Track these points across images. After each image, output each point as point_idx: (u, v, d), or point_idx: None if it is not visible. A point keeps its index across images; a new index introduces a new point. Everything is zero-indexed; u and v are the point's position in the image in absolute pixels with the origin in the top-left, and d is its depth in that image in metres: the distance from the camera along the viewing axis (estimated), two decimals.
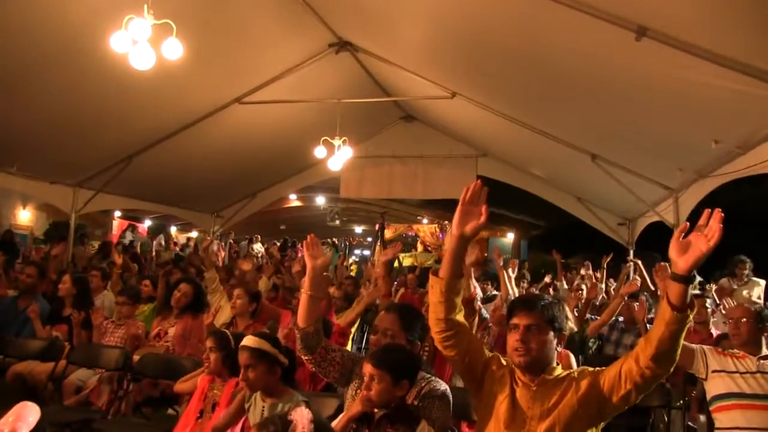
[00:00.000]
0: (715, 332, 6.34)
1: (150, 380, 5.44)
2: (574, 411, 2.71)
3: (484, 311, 6.61)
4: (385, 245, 19.43)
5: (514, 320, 2.88)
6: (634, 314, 6.13)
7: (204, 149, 10.99)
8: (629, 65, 5.83)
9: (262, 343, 3.60)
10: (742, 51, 4.68)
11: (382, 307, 4.33)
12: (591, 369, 2.84)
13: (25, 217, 17.18)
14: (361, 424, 3.01)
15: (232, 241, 19.09)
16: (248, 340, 3.64)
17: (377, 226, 21.31)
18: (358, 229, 28.34)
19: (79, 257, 11.72)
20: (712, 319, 6.98)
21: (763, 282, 8.81)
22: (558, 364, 2.92)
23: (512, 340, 2.86)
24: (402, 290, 10.06)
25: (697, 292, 7.08)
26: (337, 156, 9.84)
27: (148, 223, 21.66)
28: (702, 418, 5.15)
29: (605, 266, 9.52)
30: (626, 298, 6.55)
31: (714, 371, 4.22)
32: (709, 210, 2.38)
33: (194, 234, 21.27)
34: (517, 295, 6.53)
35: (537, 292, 10.54)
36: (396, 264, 17.67)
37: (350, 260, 23.64)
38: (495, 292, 9.15)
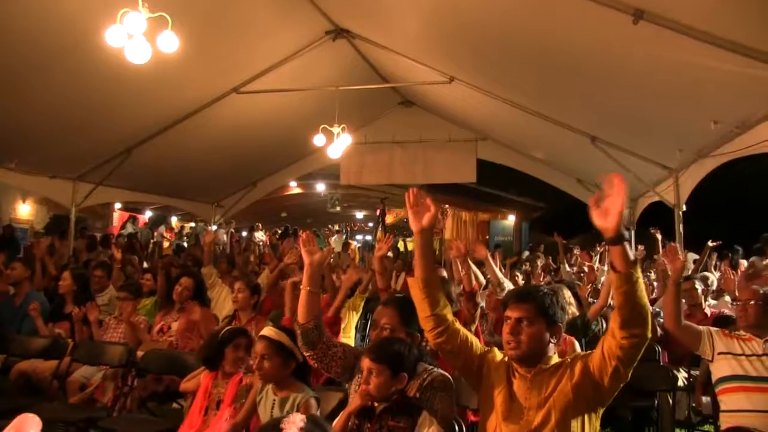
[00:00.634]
0: (710, 312, 6.34)
1: (154, 376, 5.45)
2: (569, 398, 2.71)
3: (480, 301, 6.63)
4: (387, 230, 19.43)
5: (507, 312, 2.90)
6: None
7: (203, 140, 10.98)
8: (627, 48, 5.82)
9: (282, 336, 3.62)
10: (740, 33, 4.67)
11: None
12: (583, 354, 2.86)
13: (25, 210, 17.16)
14: (362, 418, 3.01)
15: (233, 230, 19.10)
16: (268, 331, 3.67)
17: (378, 212, 21.28)
18: (359, 215, 28.30)
19: (80, 252, 11.71)
20: (712, 302, 7.00)
21: None
22: (554, 354, 2.91)
23: (504, 332, 2.88)
24: (403, 275, 9.99)
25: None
26: (336, 143, 9.82)
27: (148, 214, 21.65)
28: (706, 399, 5.17)
29: (606, 248, 9.50)
30: None
31: (720, 353, 4.22)
32: (608, 175, 2.57)
33: (194, 224, 21.23)
34: (501, 277, 6.55)
35: (540, 273, 10.58)
36: (402, 248, 17.65)
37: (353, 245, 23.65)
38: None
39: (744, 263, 11.27)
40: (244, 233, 20.95)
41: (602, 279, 7.86)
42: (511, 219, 22.08)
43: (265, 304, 6.50)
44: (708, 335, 4.30)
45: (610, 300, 6.17)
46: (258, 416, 3.65)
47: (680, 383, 5.23)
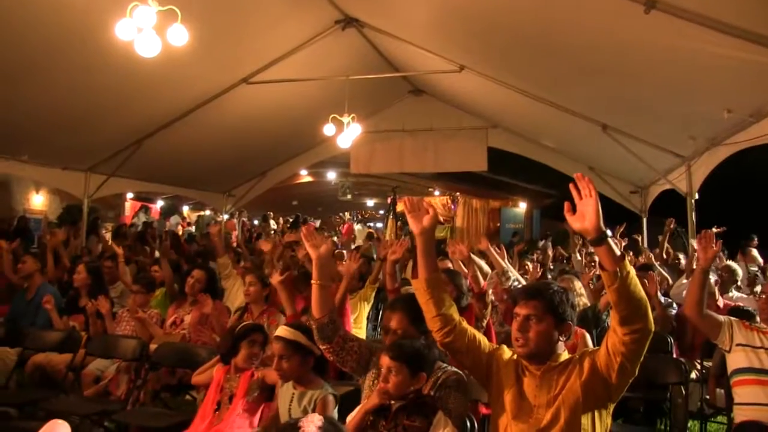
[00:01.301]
0: (722, 304, 6.30)
1: (167, 368, 5.48)
2: (577, 396, 2.70)
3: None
4: (398, 219, 19.42)
5: (516, 309, 2.89)
6: (646, 288, 6.06)
7: (213, 130, 10.98)
8: (639, 37, 5.78)
9: (298, 335, 3.62)
10: (753, 21, 4.64)
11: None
12: (590, 349, 2.84)
13: (38, 201, 17.25)
14: (378, 416, 3.01)
15: (245, 219, 19.15)
16: (283, 331, 3.67)
17: (389, 200, 21.27)
18: (370, 203, 28.32)
19: (92, 243, 11.78)
20: (735, 294, 6.96)
21: None
22: (564, 351, 2.90)
23: (513, 330, 2.88)
24: (411, 263, 9.96)
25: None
26: (346, 133, 9.80)
27: (160, 203, 21.73)
28: (720, 392, 5.15)
29: (619, 236, 9.47)
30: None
31: (738, 344, 4.18)
32: (575, 176, 2.62)
33: (208, 213, 21.32)
34: (505, 266, 6.52)
35: (550, 264, 10.53)
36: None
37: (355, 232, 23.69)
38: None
39: (754, 252, 11.24)
40: (255, 222, 21.02)
41: None
42: (522, 206, 22.05)
43: (275, 296, 6.50)
44: (728, 325, 4.26)
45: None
46: (270, 404, 3.68)
47: (693, 375, 5.21)
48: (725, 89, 6.24)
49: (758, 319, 4.72)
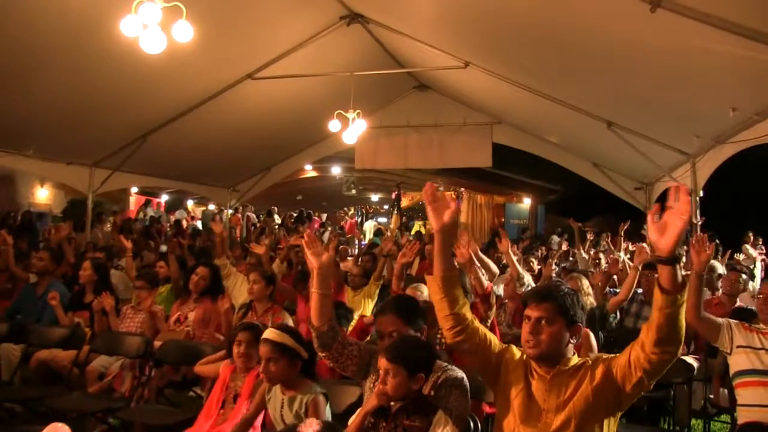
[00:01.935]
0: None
1: (171, 365, 5.49)
2: (589, 402, 2.67)
3: (496, 288, 6.61)
4: (402, 214, 19.42)
5: (527, 311, 2.85)
6: (652, 285, 6.03)
7: (218, 125, 11.00)
8: (645, 36, 5.77)
9: (285, 337, 3.57)
10: (759, 20, 4.62)
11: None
12: (605, 356, 2.80)
13: (43, 195, 17.31)
14: (378, 418, 3.00)
15: (250, 214, 19.15)
16: (270, 333, 3.61)
17: (394, 195, 21.26)
18: (375, 198, 28.27)
19: (97, 237, 11.81)
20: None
21: None
22: (574, 354, 2.87)
23: (524, 332, 2.83)
24: (418, 260, 9.96)
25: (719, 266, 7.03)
26: (351, 129, 9.80)
27: (164, 197, 21.76)
28: (724, 392, 5.14)
29: (623, 233, 9.45)
30: (641, 268, 6.45)
31: (739, 346, 4.17)
32: (675, 186, 2.41)
33: (212, 207, 21.34)
34: (521, 271, 6.50)
35: (555, 261, 10.52)
36: (423, 230, 17.63)
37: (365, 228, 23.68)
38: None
39: (749, 249, 11.25)
40: (260, 217, 20.98)
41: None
42: (526, 202, 22.05)
43: (278, 294, 6.51)
44: (727, 328, 4.24)
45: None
46: (269, 412, 3.66)
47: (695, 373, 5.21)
48: (730, 87, 6.22)
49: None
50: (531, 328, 2.79)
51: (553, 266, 7.64)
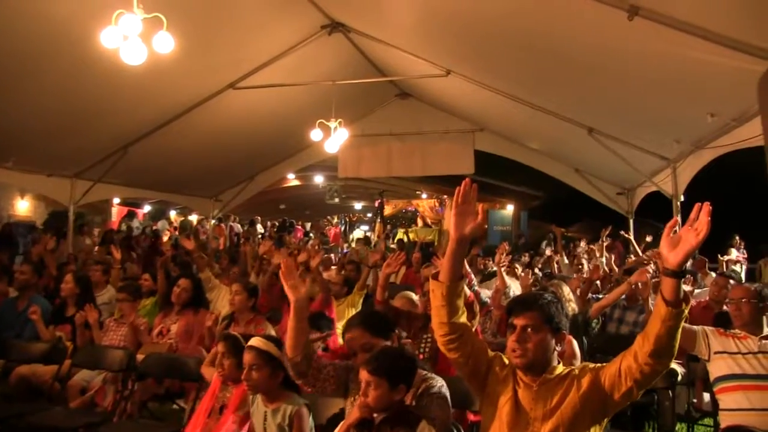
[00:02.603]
0: (694, 302, 6.34)
1: (154, 378, 5.45)
2: (576, 410, 2.68)
3: (483, 295, 6.63)
4: (386, 222, 19.43)
5: (512, 320, 2.85)
6: (638, 292, 6.06)
7: (200, 135, 10.97)
8: (623, 43, 5.83)
9: (270, 346, 3.58)
10: (734, 28, 4.68)
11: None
12: (592, 365, 2.80)
13: (23, 207, 17.16)
14: (362, 430, 2.99)
15: (233, 224, 19.10)
16: (256, 341, 3.62)
17: (377, 203, 21.29)
18: (358, 206, 28.31)
19: (78, 249, 11.72)
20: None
21: None
22: (560, 363, 2.87)
23: (510, 341, 2.83)
24: (404, 269, 9.95)
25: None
26: (333, 138, 9.81)
27: (147, 208, 21.65)
28: (707, 397, 5.17)
29: (604, 238, 9.50)
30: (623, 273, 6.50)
31: (716, 352, 4.20)
32: (700, 204, 2.39)
33: (193, 218, 21.26)
34: (508, 282, 6.53)
35: (540, 266, 10.54)
36: (405, 239, 17.64)
37: (352, 237, 23.67)
38: (495, 269, 9.04)
39: (734, 251, 11.35)
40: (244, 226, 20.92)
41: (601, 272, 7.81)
42: (509, 208, 22.12)
43: (261, 305, 6.48)
44: (703, 335, 4.29)
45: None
46: (252, 424, 3.65)
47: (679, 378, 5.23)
48: (708, 94, 6.29)
49: None
50: (517, 337, 2.79)
51: (532, 273, 7.67)
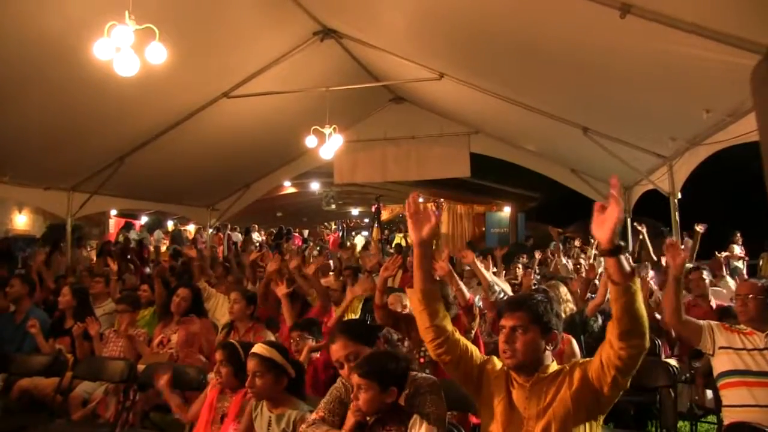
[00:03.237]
0: (714, 304, 6.33)
1: (155, 389, 5.43)
2: (568, 407, 2.69)
3: (477, 299, 6.62)
4: (383, 227, 19.43)
5: (501, 321, 2.88)
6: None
7: (195, 145, 10.97)
8: (616, 41, 5.82)
9: (273, 353, 3.60)
10: (727, 23, 4.67)
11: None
12: (582, 360, 2.82)
13: (22, 221, 17.15)
14: None
15: (231, 233, 19.09)
16: (259, 348, 3.65)
17: (374, 208, 21.28)
18: (355, 212, 28.33)
19: (77, 261, 11.70)
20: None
21: None
22: (553, 361, 2.88)
23: (500, 342, 2.86)
24: (400, 272, 9.94)
25: (691, 265, 7.05)
26: (327, 144, 9.81)
27: (144, 219, 21.63)
28: (709, 394, 5.17)
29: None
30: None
31: (721, 348, 4.21)
32: (613, 181, 2.47)
33: (191, 227, 21.23)
34: (491, 279, 6.50)
35: (537, 268, 10.53)
36: (403, 243, 17.63)
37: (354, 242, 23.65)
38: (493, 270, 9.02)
39: (736, 248, 11.35)
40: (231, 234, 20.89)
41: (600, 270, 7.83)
42: (506, 210, 22.11)
43: (259, 313, 6.46)
44: (709, 330, 4.29)
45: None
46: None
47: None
48: (703, 90, 6.28)
49: None
50: (506, 338, 2.82)
51: (533, 275, 7.67)
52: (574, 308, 6.47)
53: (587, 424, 2.71)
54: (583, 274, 7.72)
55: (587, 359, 2.78)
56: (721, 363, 4.21)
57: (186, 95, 9.36)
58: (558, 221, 12.31)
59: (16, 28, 6.47)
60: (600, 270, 7.47)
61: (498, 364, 2.99)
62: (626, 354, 2.51)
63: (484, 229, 22.13)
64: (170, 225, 22.96)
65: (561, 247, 10.62)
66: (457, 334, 2.99)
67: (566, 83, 7.92)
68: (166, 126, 9.93)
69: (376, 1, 7.78)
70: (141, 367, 5.41)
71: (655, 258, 9.50)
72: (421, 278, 2.92)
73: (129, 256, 12.81)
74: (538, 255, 11.64)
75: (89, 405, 5.55)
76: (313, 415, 3.29)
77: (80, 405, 5.58)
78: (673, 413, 4.87)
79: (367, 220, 28.14)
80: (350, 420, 3.00)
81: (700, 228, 8.74)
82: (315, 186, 20.96)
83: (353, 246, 18.12)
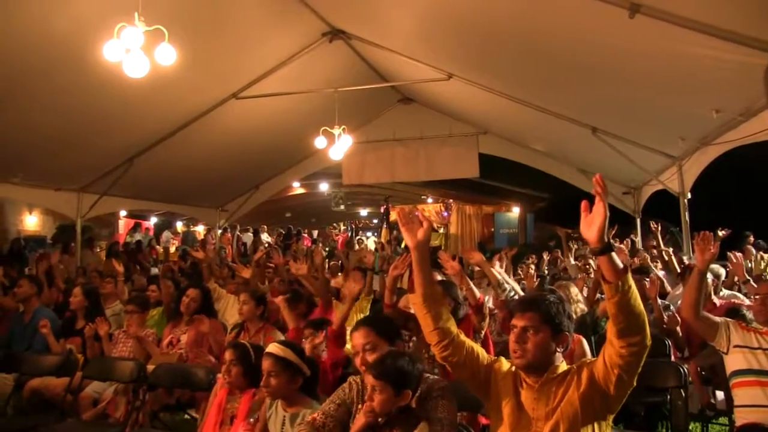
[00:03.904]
0: (718, 303, 6.28)
1: (165, 389, 5.44)
2: (575, 407, 2.67)
3: (487, 299, 6.59)
4: (392, 228, 19.40)
5: (513, 321, 2.86)
6: (645, 291, 6.02)
7: (204, 146, 11.01)
8: (625, 41, 5.82)
9: (288, 352, 3.60)
10: (737, 22, 4.67)
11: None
12: (589, 360, 2.80)
13: (32, 222, 17.20)
14: None
15: (239, 234, 19.11)
16: (274, 348, 3.65)
17: (382, 209, 21.26)
18: (364, 212, 28.30)
19: (88, 262, 11.74)
20: (726, 291, 6.93)
21: None
22: (562, 362, 2.86)
23: (510, 341, 2.84)
24: (407, 274, 9.89)
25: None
26: (337, 145, 9.81)
27: (153, 220, 21.68)
28: (720, 395, 5.13)
29: (611, 238, 9.45)
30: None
31: (736, 346, 4.16)
32: (597, 178, 2.51)
33: (200, 228, 21.26)
34: (501, 278, 6.48)
35: (546, 268, 10.50)
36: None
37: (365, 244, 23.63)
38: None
39: (752, 250, 11.27)
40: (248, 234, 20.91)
41: None
42: (515, 211, 22.06)
43: (272, 313, 6.46)
44: (725, 327, 4.23)
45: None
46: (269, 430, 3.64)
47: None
48: (713, 89, 6.26)
49: (750, 316, 4.73)
50: (517, 338, 2.80)
51: (536, 275, 7.63)
52: (585, 309, 6.44)
53: (596, 425, 2.69)
54: (592, 275, 7.68)
55: (594, 359, 2.76)
56: (735, 361, 4.15)
57: (195, 96, 9.39)
58: (567, 221, 12.20)
59: (25, 31, 6.50)
60: None
61: (505, 364, 2.97)
62: (627, 352, 2.50)
63: (493, 229, 22.08)
64: (179, 226, 23.00)
65: (570, 247, 10.53)
66: (462, 336, 2.97)
67: (575, 83, 7.91)
68: (176, 127, 9.96)
69: (385, 2, 7.79)
70: (150, 367, 5.42)
71: (666, 258, 9.44)
72: (422, 281, 2.91)
73: (137, 257, 12.84)
74: (546, 256, 11.60)
75: (99, 405, 5.55)
76: (308, 417, 3.28)
77: (90, 405, 5.59)
78: (684, 414, 4.84)
79: (375, 221, 28.11)
80: (360, 420, 2.97)
81: (722, 233, 8.69)
82: (324, 187, 20.96)
83: (365, 248, 18.06)
